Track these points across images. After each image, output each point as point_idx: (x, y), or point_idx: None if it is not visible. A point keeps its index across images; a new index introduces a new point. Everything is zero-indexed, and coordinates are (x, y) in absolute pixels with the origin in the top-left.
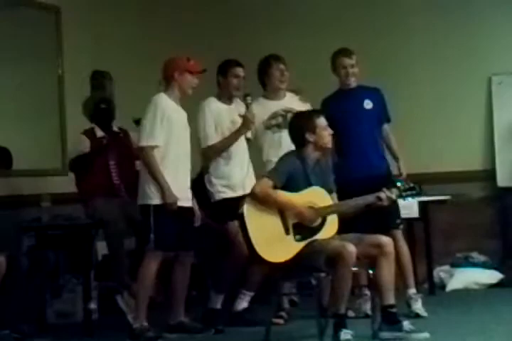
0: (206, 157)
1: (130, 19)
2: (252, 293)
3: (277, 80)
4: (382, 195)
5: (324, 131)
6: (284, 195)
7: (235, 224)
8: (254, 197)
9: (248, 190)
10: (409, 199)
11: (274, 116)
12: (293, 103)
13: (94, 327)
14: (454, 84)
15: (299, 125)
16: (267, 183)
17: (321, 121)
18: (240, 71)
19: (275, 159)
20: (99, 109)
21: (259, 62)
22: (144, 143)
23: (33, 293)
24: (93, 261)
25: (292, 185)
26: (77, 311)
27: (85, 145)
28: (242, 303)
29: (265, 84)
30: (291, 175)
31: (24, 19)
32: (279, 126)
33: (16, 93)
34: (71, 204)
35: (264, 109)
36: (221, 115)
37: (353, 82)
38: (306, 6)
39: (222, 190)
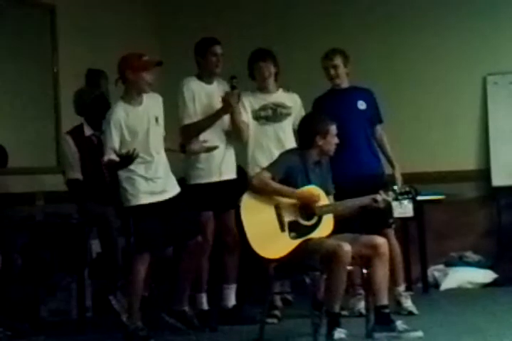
0: (183, 136)
1: (126, 17)
2: (234, 285)
3: (261, 77)
4: (379, 197)
5: (333, 139)
6: (282, 185)
7: (206, 216)
8: (252, 188)
9: (225, 177)
10: (405, 202)
11: (264, 108)
12: (284, 98)
13: (89, 325)
14: (449, 84)
15: (312, 127)
16: (265, 175)
17: (333, 129)
18: (218, 49)
19: (258, 151)
20: (96, 106)
21: (249, 58)
22: (104, 157)
23: (26, 291)
24: (87, 259)
25: (291, 181)
26: (71, 309)
27: (69, 145)
28: (230, 299)
29: (254, 77)
30: (291, 171)
31: (19, 17)
32: (267, 119)
33: (10, 91)
34: (65, 202)
35: (254, 99)
36: (200, 94)
37: (342, 83)
38: (307, 6)
39: (197, 174)
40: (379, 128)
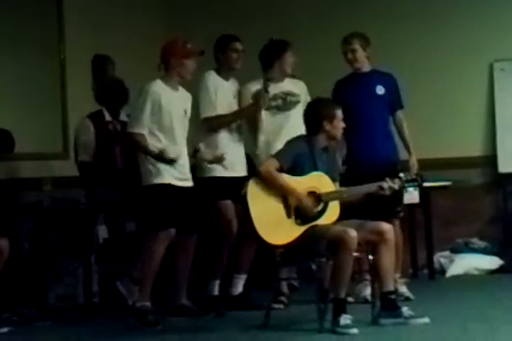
0: (203, 128)
1: (131, 3)
2: (244, 276)
3: (289, 66)
4: (385, 184)
5: (340, 123)
6: (286, 179)
7: (226, 204)
8: (259, 176)
9: (239, 173)
10: (411, 189)
11: (274, 97)
12: (291, 86)
13: (95, 311)
14: (456, 71)
15: (318, 112)
16: (273, 163)
17: (340, 113)
18: (238, 45)
19: (270, 141)
20: (117, 93)
21: (273, 45)
22: (130, 129)
23: (33, 277)
24: (94, 244)
25: (298, 168)
26: (77, 294)
27: (88, 128)
28: (238, 288)
29: (272, 66)
30: (298, 158)
31: (26, 4)
32: (278, 108)
33: (18, 77)
34: (72, 187)
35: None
36: (218, 88)
37: (362, 67)
38: None
39: (212, 167)
40: (399, 113)
